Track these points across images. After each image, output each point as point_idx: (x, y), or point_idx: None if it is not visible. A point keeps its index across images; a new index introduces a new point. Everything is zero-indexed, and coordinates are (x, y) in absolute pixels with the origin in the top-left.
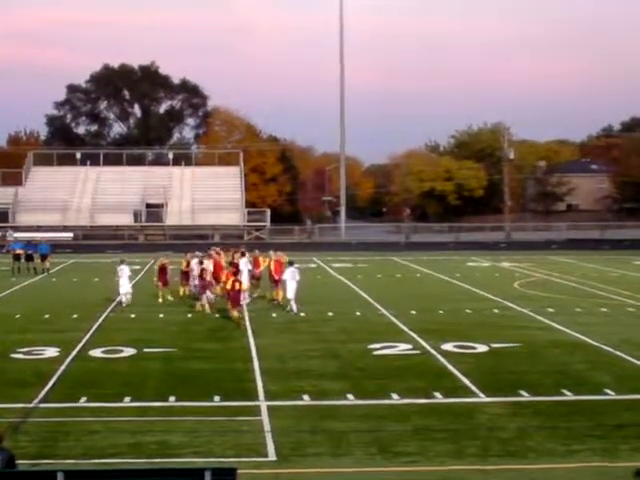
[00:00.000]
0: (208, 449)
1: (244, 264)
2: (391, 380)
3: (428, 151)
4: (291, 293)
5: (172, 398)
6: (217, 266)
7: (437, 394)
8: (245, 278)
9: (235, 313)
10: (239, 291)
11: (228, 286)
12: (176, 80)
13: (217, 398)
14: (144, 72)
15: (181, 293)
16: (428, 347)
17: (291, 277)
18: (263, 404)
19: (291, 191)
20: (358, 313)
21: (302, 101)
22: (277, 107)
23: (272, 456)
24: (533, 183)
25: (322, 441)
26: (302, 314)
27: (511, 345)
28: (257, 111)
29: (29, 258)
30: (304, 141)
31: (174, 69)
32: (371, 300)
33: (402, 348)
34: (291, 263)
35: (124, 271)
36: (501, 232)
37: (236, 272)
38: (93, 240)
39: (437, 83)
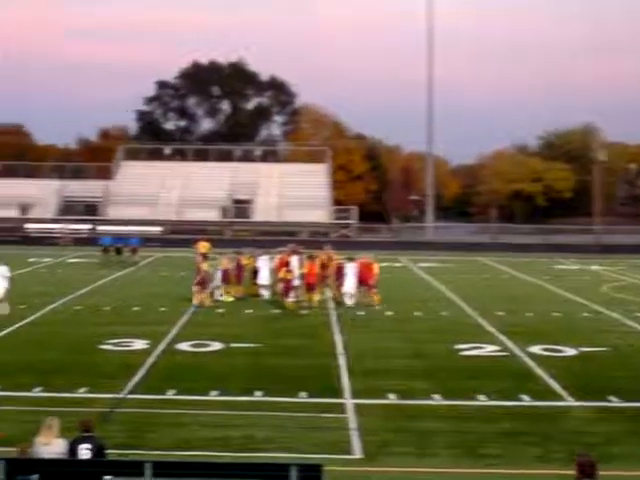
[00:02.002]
0: (293, 445)
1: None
2: (478, 381)
3: (516, 151)
4: (350, 287)
5: (258, 393)
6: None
7: (524, 397)
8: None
9: (289, 301)
10: (289, 281)
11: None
12: (265, 77)
13: (303, 394)
14: (233, 69)
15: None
16: (515, 349)
17: (351, 273)
18: (349, 402)
19: (377, 189)
20: (444, 313)
21: (390, 99)
22: (364, 105)
23: (358, 454)
24: (624, 186)
25: (407, 440)
26: (389, 313)
27: (600, 349)
28: (344, 109)
29: (118, 251)
30: (391, 139)
31: (263, 66)
32: (457, 300)
33: (489, 349)
34: (350, 259)
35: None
36: (590, 235)
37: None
38: (181, 234)
39: (524, 83)
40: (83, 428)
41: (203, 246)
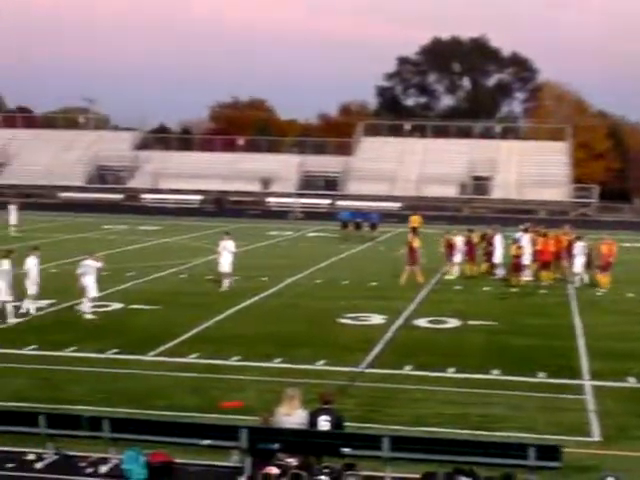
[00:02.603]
0: (531, 425)
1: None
2: None
3: None
4: (579, 267)
5: (496, 371)
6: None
7: None
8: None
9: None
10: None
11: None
12: (506, 53)
13: (541, 374)
14: (474, 45)
15: (481, 269)
16: None
17: (580, 252)
18: (587, 383)
19: (620, 168)
20: None
21: (633, 74)
22: (607, 81)
23: (596, 436)
24: None
25: None
26: (630, 294)
27: None
28: (586, 86)
29: (358, 226)
30: (635, 116)
31: (504, 42)
32: None
33: None
34: (579, 238)
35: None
36: None
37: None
38: (419, 211)
39: None
40: (323, 400)
41: (415, 220)
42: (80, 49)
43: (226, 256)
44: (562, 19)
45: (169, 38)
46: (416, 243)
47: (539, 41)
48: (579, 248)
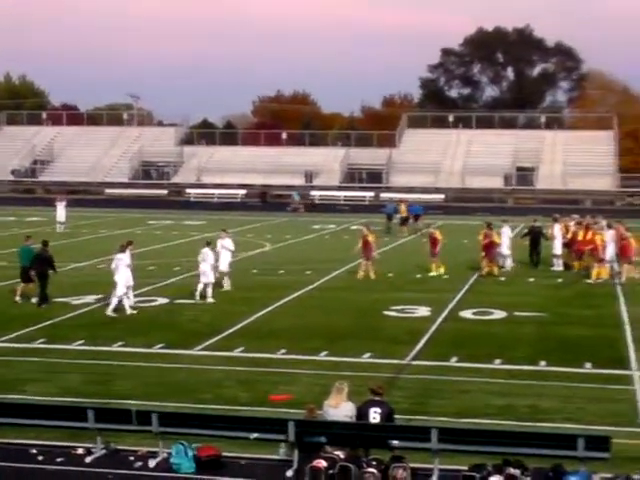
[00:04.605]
0: (580, 416)
1: (557, 230)
2: None
3: None
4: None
5: (543, 362)
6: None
7: None
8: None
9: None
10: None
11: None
12: (550, 43)
13: (588, 365)
14: (519, 35)
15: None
16: None
17: (610, 241)
18: (636, 373)
19: None
20: None
21: None
22: None
23: None
24: None
25: None
26: None
27: None
28: (633, 74)
29: (405, 219)
30: None
31: (549, 32)
32: None
33: None
34: (609, 226)
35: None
36: None
37: None
38: (463, 202)
39: None
40: (373, 392)
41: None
42: (124, 45)
43: (225, 255)
44: (607, 7)
45: (211, 33)
46: (371, 237)
47: (584, 31)
48: (609, 236)
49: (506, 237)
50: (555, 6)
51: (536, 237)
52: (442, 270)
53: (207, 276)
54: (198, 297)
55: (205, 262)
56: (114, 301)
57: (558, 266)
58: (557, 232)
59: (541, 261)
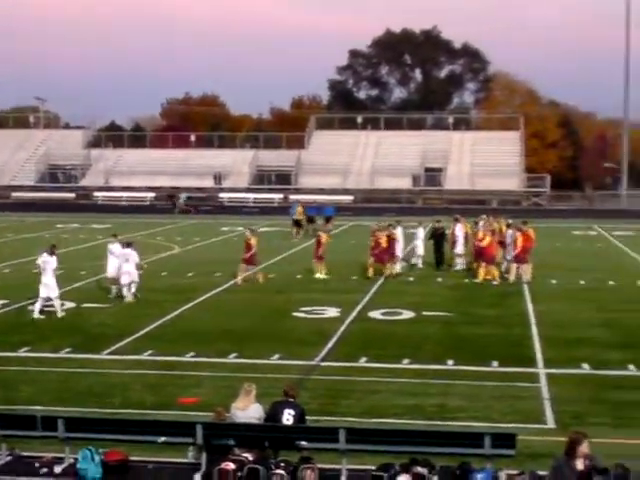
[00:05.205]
0: (486, 414)
1: (459, 230)
2: None
3: None
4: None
5: (450, 361)
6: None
7: None
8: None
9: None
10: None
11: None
12: (457, 45)
13: (495, 363)
14: (426, 37)
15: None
16: None
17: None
18: (542, 371)
19: (572, 157)
20: None
21: (584, 65)
22: (558, 71)
23: (551, 424)
24: None
25: (603, 411)
26: (582, 282)
27: None
28: (538, 76)
29: (311, 220)
30: (586, 106)
31: (455, 34)
32: None
33: None
34: (508, 226)
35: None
36: None
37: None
38: (372, 203)
39: None
40: (287, 394)
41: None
42: (30, 47)
43: (112, 260)
44: (513, 10)
45: (119, 35)
46: (253, 241)
47: (490, 33)
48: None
49: (401, 238)
50: (462, 9)
51: (439, 238)
52: (323, 274)
53: (132, 275)
54: (115, 295)
55: (128, 262)
56: (38, 305)
57: (461, 265)
58: (459, 232)
59: (444, 261)
